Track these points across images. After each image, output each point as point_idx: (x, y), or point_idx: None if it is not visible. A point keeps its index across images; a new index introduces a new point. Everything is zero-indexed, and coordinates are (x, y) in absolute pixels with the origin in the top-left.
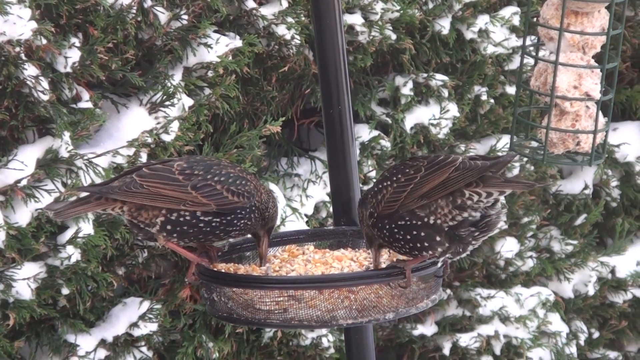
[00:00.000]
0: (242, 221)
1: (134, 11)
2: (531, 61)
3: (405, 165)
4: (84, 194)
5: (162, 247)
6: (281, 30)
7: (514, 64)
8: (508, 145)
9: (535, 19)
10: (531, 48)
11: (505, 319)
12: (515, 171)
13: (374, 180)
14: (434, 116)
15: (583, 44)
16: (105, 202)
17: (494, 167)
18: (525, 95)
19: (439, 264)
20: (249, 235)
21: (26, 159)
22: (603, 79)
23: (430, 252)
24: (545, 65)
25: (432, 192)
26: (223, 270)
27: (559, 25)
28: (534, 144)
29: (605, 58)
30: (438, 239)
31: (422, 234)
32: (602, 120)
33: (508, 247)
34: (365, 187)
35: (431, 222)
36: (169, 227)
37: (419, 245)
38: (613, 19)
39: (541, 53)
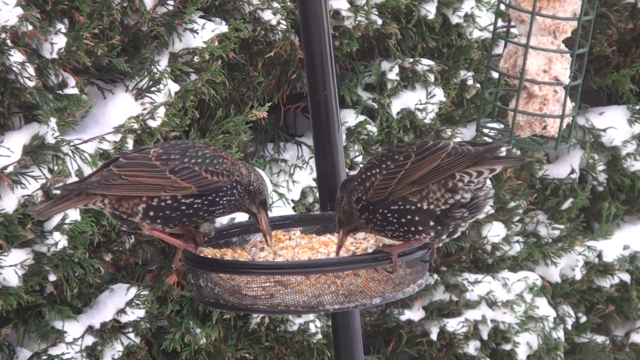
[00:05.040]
0: (225, 199)
1: None
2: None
3: (393, 152)
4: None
5: (148, 234)
6: (267, 15)
7: (500, 49)
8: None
9: (508, 1)
10: (502, 30)
11: (492, 304)
12: (502, 154)
13: (361, 165)
14: (420, 101)
15: (554, 28)
16: (85, 197)
17: (487, 152)
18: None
19: (433, 247)
20: (236, 220)
21: (12, 146)
22: (573, 64)
23: (423, 235)
24: (515, 48)
25: (423, 178)
26: (209, 256)
27: (531, 9)
28: (501, 125)
29: (576, 43)
30: (432, 223)
31: (416, 218)
32: (569, 105)
33: (495, 231)
34: (352, 172)
35: (424, 207)
36: (151, 213)
37: (412, 229)
38: (585, 5)
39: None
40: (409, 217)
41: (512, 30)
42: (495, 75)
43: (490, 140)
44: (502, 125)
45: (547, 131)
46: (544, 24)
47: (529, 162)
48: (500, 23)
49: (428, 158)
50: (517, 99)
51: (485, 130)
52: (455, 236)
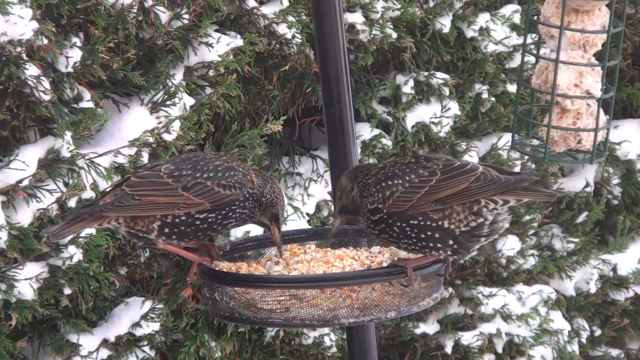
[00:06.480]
0: (238, 211)
1: (135, 11)
2: (532, 59)
3: (418, 164)
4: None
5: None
6: (282, 29)
7: (515, 62)
8: (510, 144)
9: (536, 17)
10: (532, 46)
11: (507, 317)
12: (516, 170)
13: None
14: (435, 114)
15: (584, 42)
16: (99, 217)
17: (517, 183)
18: (527, 94)
19: (448, 261)
20: (251, 234)
21: (28, 159)
22: (604, 76)
23: (440, 252)
24: (546, 64)
25: (448, 198)
26: (225, 270)
27: (560, 24)
28: (535, 142)
29: (606, 56)
30: (451, 242)
31: (437, 235)
32: (603, 118)
33: (510, 245)
34: None
35: (445, 225)
36: (166, 230)
37: (431, 244)
38: (614, 17)
39: (542, 51)
40: (429, 233)
41: (534, 47)
42: (512, 90)
43: (526, 155)
44: (536, 142)
45: (582, 145)
46: (574, 38)
47: (544, 176)
48: (529, 40)
49: (456, 179)
50: (549, 114)
51: (520, 147)
52: (471, 254)
